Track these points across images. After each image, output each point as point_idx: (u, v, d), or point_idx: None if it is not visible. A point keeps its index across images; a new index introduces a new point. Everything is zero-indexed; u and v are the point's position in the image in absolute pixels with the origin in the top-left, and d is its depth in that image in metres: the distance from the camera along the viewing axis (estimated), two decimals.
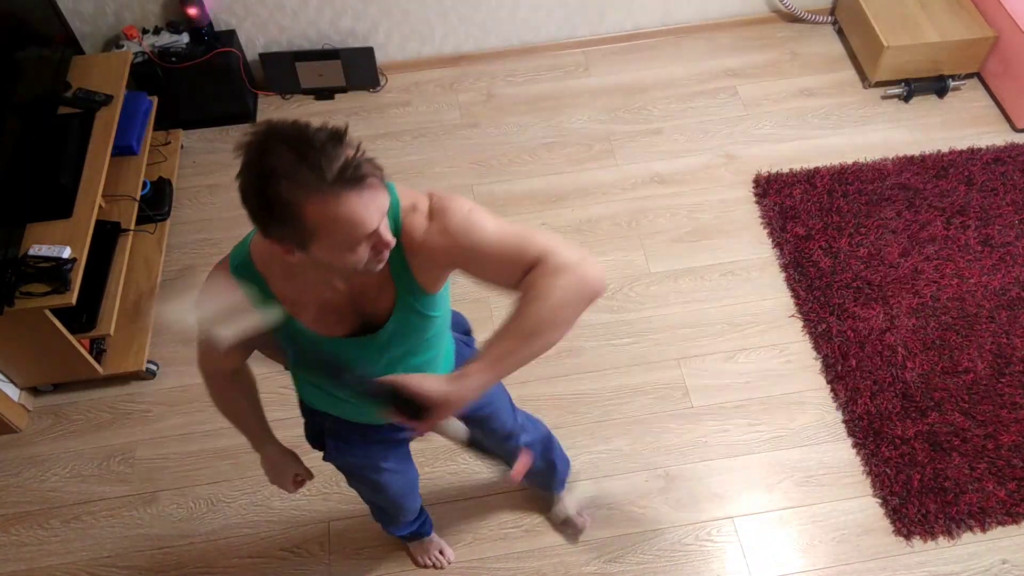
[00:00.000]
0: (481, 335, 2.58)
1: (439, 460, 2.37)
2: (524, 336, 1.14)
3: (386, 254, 1.11)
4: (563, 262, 1.11)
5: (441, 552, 2.18)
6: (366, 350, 1.29)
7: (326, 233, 1.02)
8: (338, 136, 1.01)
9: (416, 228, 1.17)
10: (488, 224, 1.15)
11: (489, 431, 1.74)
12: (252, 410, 1.53)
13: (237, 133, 3.24)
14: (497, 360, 1.14)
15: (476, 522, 2.28)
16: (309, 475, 1.67)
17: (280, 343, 1.29)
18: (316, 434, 1.59)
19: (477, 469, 2.29)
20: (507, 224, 1.17)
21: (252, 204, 1.03)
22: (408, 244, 1.18)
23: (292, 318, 1.23)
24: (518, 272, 1.13)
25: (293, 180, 0.98)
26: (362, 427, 1.52)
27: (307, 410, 1.57)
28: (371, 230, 1.04)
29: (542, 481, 2.15)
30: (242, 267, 1.21)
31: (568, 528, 2.23)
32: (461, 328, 1.62)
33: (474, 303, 2.68)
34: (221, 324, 1.11)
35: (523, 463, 1.99)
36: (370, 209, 1.02)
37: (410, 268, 1.21)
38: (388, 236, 1.08)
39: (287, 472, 1.63)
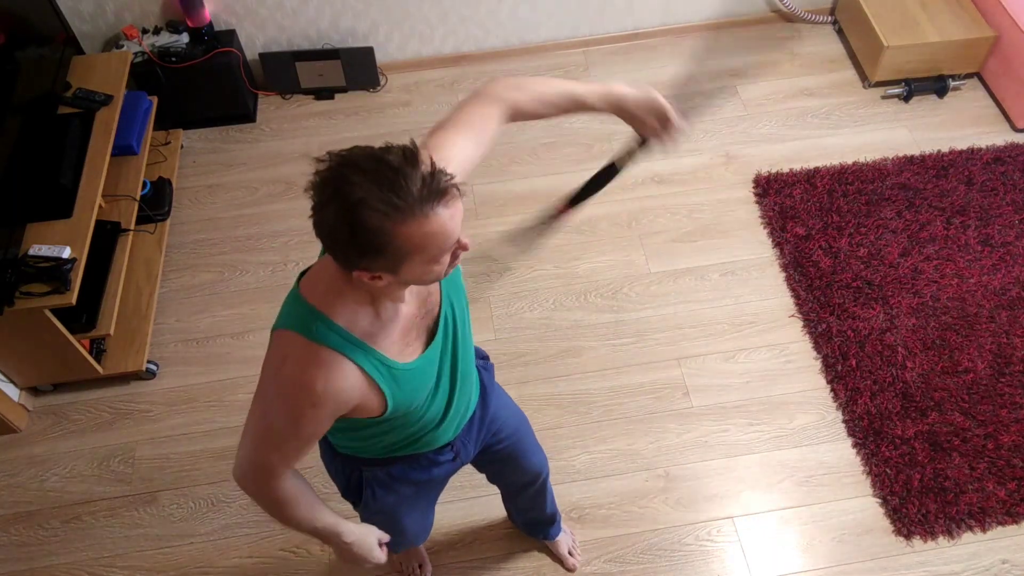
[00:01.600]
0: (481, 336, 2.59)
1: None
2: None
3: (460, 256, 1.12)
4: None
5: (420, 566, 2.17)
6: (443, 349, 1.30)
7: (419, 251, 1.02)
8: (412, 154, 1.00)
9: None
10: None
11: (518, 469, 1.77)
12: (316, 499, 1.36)
13: (237, 133, 3.25)
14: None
15: (476, 522, 2.28)
16: (385, 535, 1.52)
17: (383, 387, 1.21)
18: (354, 488, 1.54)
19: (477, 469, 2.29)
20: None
21: (341, 239, 1.01)
22: None
23: (389, 360, 1.19)
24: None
25: (381, 208, 0.97)
26: (402, 467, 1.49)
27: (345, 466, 1.51)
28: (457, 237, 1.05)
29: (540, 531, 2.16)
30: (341, 338, 1.13)
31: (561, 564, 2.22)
32: (479, 354, 1.62)
33: (474, 304, 2.69)
34: None
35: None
36: (456, 219, 1.03)
37: None
38: (465, 240, 1.09)
39: (373, 535, 1.48)
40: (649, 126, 1.39)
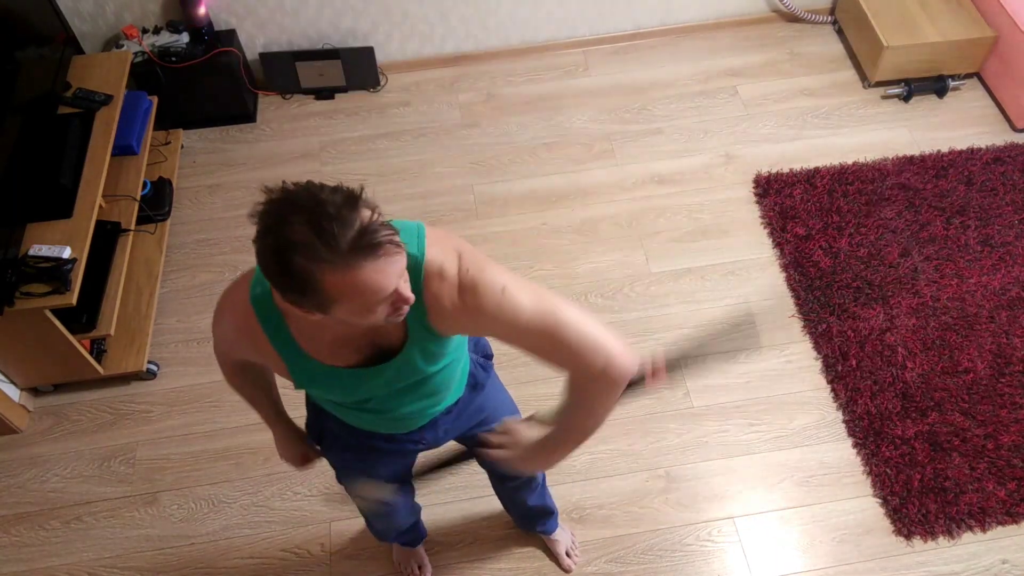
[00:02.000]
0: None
1: None
2: (577, 438, 1.41)
3: (406, 309, 1.10)
4: (599, 370, 1.22)
5: (420, 567, 2.18)
6: (376, 380, 1.29)
7: (345, 300, 1.02)
8: (353, 200, 0.99)
9: (443, 297, 1.17)
10: (522, 308, 1.18)
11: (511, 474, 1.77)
12: (263, 394, 1.57)
13: (237, 133, 3.25)
14: (554, 453, 1.44)
15: (476, 522, 2.28)
16: (318, 455, 1.68)
17: (288, 369, 1.28)
18: (317, 429, 1.60)
19: (476, 469, 2.29)
20: (540, 302, 1.19)
21: (270, 272, 1.02)
22: (432, 307, 1.18)
23: (305, 353, 1.23)
24: (551, 363, 1.25)
25: (309, 253, 0.97)
26: (367, 434, 1.52)
27: (314, 407, 1.58)
28: (388, 294, 1.04)
29: (532, 524, 2.16)
30: (263, 297, 1.20)
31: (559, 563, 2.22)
32: (483, 352, 1.62)
33: None
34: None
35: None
36: (387, 274, 1.01)
37: (428, 321, 1.21)
38: (407, 293, 1.08)
39: (295, 449, 1.65)
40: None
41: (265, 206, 1.00)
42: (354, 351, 1.24)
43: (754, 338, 1.99)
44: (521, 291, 1.18)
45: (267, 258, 1.00)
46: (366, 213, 0.99)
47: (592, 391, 1.26)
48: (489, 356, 1.64)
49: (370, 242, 0.98)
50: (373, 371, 1.26)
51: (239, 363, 1.46)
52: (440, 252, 1.18)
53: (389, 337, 1.24)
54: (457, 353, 1.37)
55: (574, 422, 1.35)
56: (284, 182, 1.02)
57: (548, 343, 1.20)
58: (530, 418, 1.52)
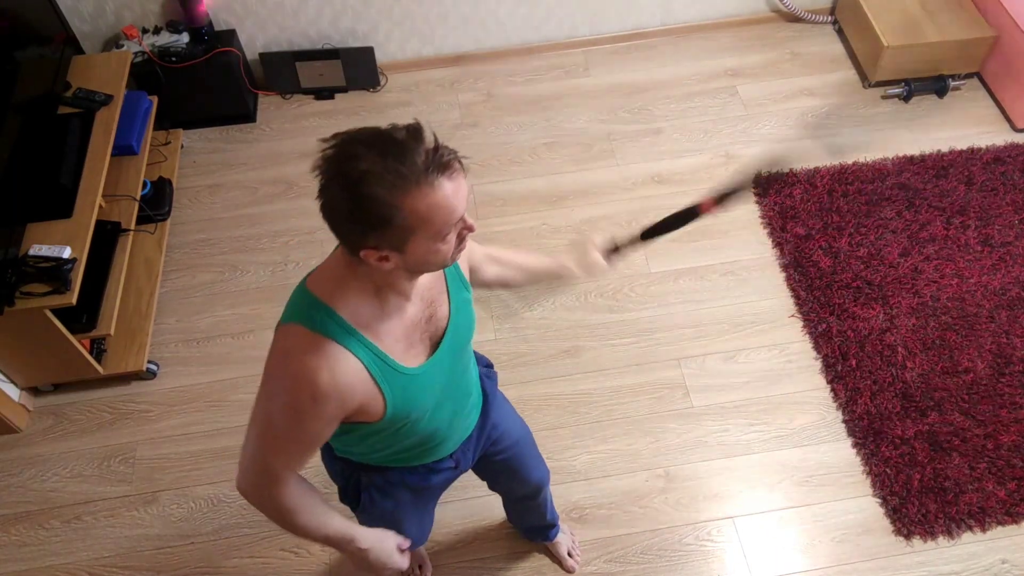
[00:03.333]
0: (481, 336, 2.59)
1: None
2: None
3: (467, 241, 1.15)
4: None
5: (421, 567, 2.18)
6: (445, 358, 1.29)
7: (424, 224, 1.03)
8: (416, 130, 1.03)
9: None
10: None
11: (518, 481, 1.78)
12: (326, 505, 1.31)
13: (237, 133, 3.25)
14: None
15: (476, 522, 2.28)
16: (406, 538, 1.46)
17: (383, 391, 1.19)
18: (352, 493, 1.52)
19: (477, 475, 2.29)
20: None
21: (345, 213, 1.02)
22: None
23: (389, 358, 1.17)
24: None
25: (387, 178, 0.99)
26: (401, 473, 1.47)
27: (344, 469, 1.49)
28: (459, 216, 1.07)
29: (536, 536, 2.17)
30: (340, 328, 1.11)
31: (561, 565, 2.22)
32: (483, 362, 1.62)
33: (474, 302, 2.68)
34: None
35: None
36: (460, 193, 1.05)
37: (459, 267, 1.31)
38: (471, 220, 1.11)
39: (391, 540, 1.41)
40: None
41: (327, 152, 1.01)
42: (420, 341, 1.24)
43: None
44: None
45: (340, 199, 1.01)
46: (430, 137, 1.03)
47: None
48: (488, 365, 1.64)
49: (442, 159, 1.02)
50: (441, 350, 1.27)
51: (296, 478, 1.25)
52: None
53: (440, 318, 1.27)
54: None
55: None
56: (335, 133, 1.03)
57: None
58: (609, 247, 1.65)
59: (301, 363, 1.09)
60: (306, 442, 1.18)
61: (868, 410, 2.41)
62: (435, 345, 1.27)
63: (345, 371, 1.11)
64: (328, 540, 1.31)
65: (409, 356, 1.22)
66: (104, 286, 2.50)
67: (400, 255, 1.07)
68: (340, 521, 1.31)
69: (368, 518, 1.55)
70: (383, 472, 1.47)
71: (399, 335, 1.19)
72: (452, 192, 1.03)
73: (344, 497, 1.57)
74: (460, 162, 1.05)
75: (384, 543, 1.38)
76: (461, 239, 1.12)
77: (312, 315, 1.11)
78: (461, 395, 1.41)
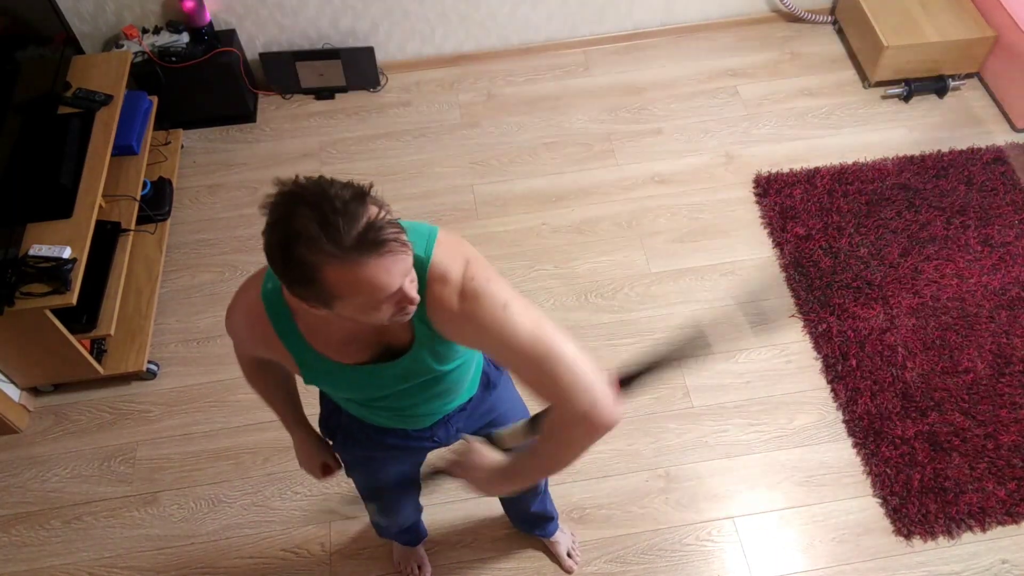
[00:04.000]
0: None
1: None
2: (543, 472, 1.46)
3: (411, 310, 1.10)
4: (581, 412, 1.18)
5: (420, 567, 2.18)
6: (385, 377, 1.29)
7: (347, 295, 1.02)
8: (361, 196, 0.99)
9: (444, 300, 1.16)
10: (520, 330, 1.15)
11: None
12: (283, 394, 1.56)
13: (237, 133, 3.25)
14: (516, 481, 1.42)
15: (476, 522, 2.28)
16: (338, 465, 1.66)
17: (297, 365, 1.28)
18: (331, 426, 1.60)
19: None
20: (539, 329, 1.16)
21: (276, 264, 1.03)
22: (432, 309, 1.18)
23: (313, 348, 1.23)
24: (538, 393, 1.21)
25: (316, 245, 0.97)
26: (377, 429, 1.52)
27: (328, 403, 1.58)
28: (392, 292, 1.03)
29: (531, 528, 2.17)
30: (274, 293, 1.22)
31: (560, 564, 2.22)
32: None
33: None
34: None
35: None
36: (391, 273, 1.01)
37: (430, 323, 1.21)
38: (412, 294, 1.07)
39: (316, 458, 1.63)
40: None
41: (275, 198, 1.01)
42: (363, 348, 1.24)
43: (706, 348, 2.02)
44: (523, 313, 1.16)
45: (273, 249, 1.01)
46: (373, 210, 0.99)
47: (570, 430, 1.23)
48: None
49: (375, 239, 0.98)
50: (382, 368, 1.26)
51: (256, 361, 1.47)
52: (447, 257, 1.17)
53: (398, 336, 1.24)
54: (469, 354, 1.37)
55: (545, 454, 1.33)
56: (296, 176, 1.02)
57: (538, 372, 1.17)
58: (489, 437, 1.50)
59: (233, 301, 1.30)
60: (238, 354, 1.48)
61: (868, 410, 2.41)
62: (383, 358, 1.25)
63: (250, 324, 1.26)
64: (278, 416, 1.60)
65: (339, 352, 1.24)
66: (104, 286, 2.50)
67: (328, 311, 1.07)
68: (284, 410, 1.57)
69: (345, 457, 1.66)
70: (359, 422, 1.52)
71: (333, 335, 1.22)
72: (382, 271, 1.00)
73: (323, 427, 1.63)
74: (400, 242, 1.01)
75: (307, 461, 1.64)
76: (402, 307, 1.09)
77: (267, 283, 1.23)
78: (407, 412, 1.42)
